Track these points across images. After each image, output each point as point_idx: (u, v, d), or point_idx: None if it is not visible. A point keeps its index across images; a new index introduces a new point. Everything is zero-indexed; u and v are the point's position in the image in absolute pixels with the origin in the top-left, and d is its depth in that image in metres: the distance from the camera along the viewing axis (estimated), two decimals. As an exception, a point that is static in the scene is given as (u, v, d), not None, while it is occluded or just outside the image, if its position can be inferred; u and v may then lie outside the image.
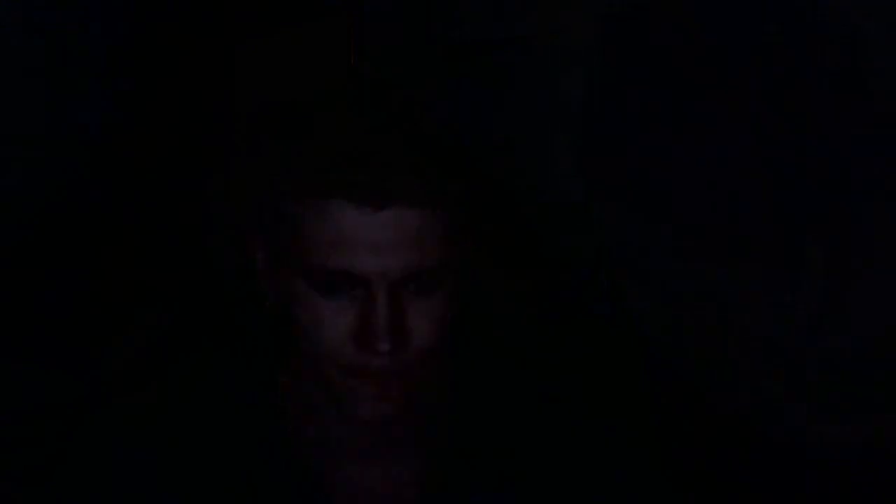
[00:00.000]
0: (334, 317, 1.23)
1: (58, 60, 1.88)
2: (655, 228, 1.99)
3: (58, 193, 1.89)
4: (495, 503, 1.37)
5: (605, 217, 2.01)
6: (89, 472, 1.41)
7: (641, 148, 2.00)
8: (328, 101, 1.33)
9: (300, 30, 1.97)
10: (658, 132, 2.00)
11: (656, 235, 1.99)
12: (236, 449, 1.37)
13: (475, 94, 1.95)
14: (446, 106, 1.43)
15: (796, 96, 1.92)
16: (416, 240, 1.21)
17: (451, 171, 1.26)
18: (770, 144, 1.95)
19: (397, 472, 1.37)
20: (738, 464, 1.93)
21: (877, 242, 1.91)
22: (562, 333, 1.89)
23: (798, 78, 1.90)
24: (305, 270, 1.23)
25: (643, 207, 1.99)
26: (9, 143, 1.86)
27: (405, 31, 1.98)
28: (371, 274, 1.20)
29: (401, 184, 1.20)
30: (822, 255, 1.92)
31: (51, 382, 1.81)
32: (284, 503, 1.36)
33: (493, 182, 1.58)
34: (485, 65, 1.97)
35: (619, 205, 2.00)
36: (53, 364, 1.81)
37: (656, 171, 1.99)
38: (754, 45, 1.94)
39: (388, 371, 1.23)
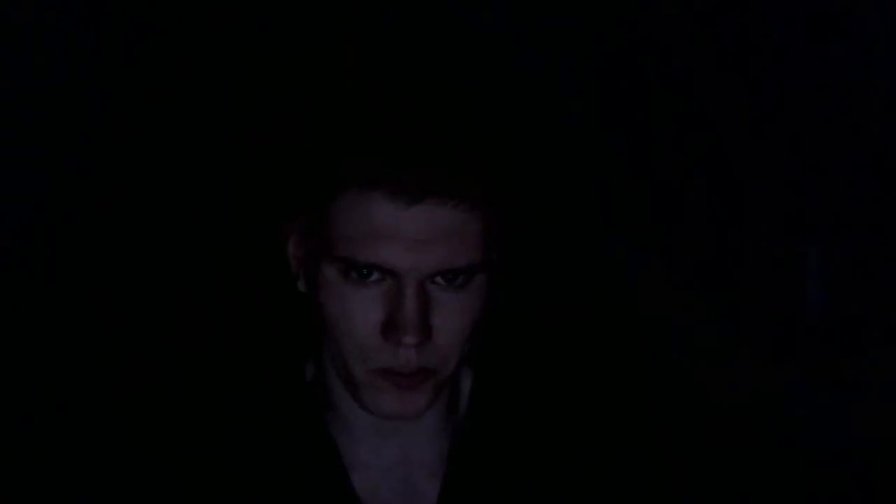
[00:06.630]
0: (363, 307, 1.23)
1: (58, 60, 1.88)
2: (656, 229, 1.99)
3: (59, 193, 1.89)
4: (507, 493, 1.39)
5: (605, 216, 2.01)
6: (89, 471, 1.40)
7: (641, 148, 2.01)
8: (364, 98, 1.35)
9: (300, 30, 1.97)
10: (656, 132, 2.00)
11: (657, 235, 1.99)
12: (252, 444, 1.37)
13: (475, 93, 1.95)
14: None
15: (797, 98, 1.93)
16: (447, 238, 1.22)
17: (484, 172, 1.27)
18: (770, 145, 1.96)
19: (415, 455, 1.37)
20: (739, 464, 1.94)
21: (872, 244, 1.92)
22: (565, 334, 1.89)
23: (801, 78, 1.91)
24: (336, 261, 1.24)
25: (644, 207, 2.00)
26: (10, 143, 1.86)
27: (405, 31, 1.98)
28: (401, 269, 1.21)
29: (434, 181, 1.22)
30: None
31: (59, 381, 1.81)
32: (301, 484, 1.35)
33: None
34: (485, 65, 1.97)
35: (619, 203, 2.01)
36: (61, 362, 1.81)
37: (657, 172, 1.99)
38: (754, 45, 1.94)
39: (412, 371, 1.24)
